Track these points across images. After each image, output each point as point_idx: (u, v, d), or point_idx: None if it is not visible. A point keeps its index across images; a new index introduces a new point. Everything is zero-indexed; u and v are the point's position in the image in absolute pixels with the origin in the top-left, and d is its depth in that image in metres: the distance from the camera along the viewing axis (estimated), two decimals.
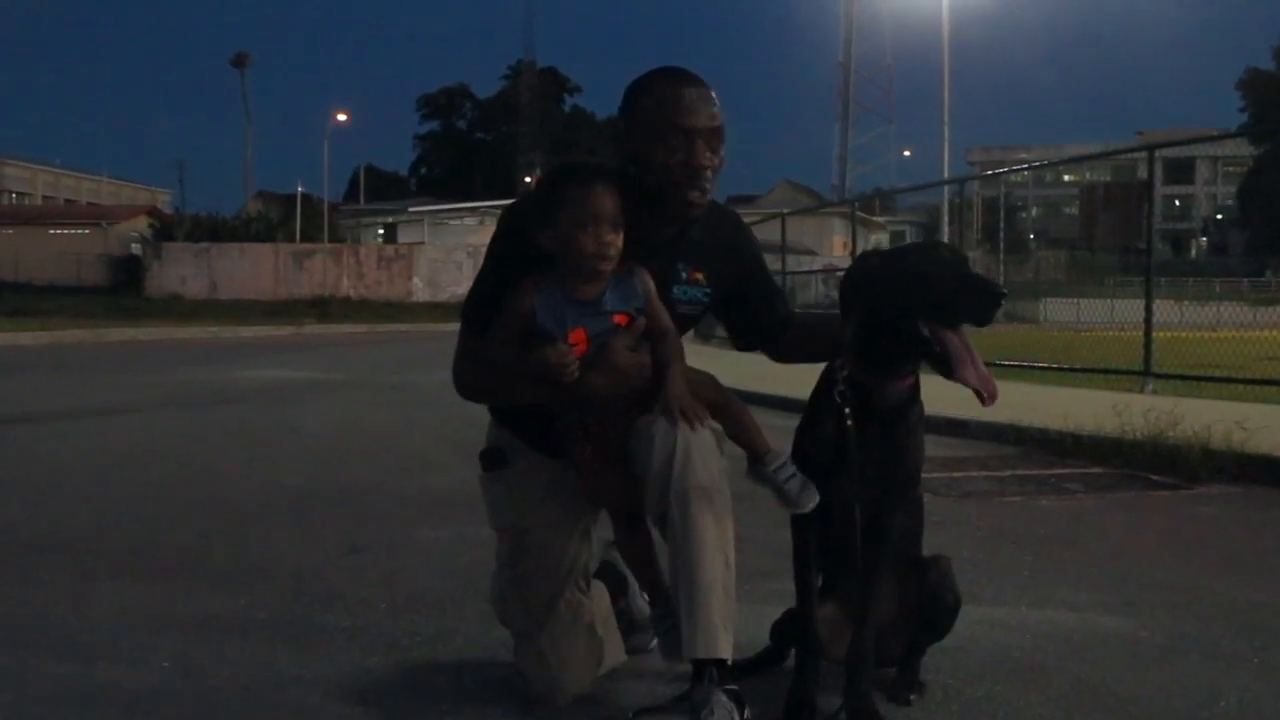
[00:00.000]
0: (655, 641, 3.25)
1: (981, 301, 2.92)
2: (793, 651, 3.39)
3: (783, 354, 3.56)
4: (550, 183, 3.10)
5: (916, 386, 3.19)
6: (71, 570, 5.02)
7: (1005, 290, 2.97)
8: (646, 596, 3.40)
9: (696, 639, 2.90)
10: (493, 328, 3.10)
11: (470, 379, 3.27)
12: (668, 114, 3.07)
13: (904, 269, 3.01)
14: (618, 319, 3.05)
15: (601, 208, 2.99)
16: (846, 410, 3.09)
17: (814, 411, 3.21)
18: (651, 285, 3.12)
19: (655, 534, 3.21)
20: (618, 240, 3.02)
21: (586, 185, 3.02)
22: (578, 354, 3.00)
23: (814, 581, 3.25)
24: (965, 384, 2.95)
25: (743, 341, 3.59)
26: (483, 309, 3.18)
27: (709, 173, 3.13)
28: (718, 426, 3.09)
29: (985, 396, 2.95)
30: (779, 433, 3.31)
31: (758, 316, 3.50)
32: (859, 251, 24.89)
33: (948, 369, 2.96)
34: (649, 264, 3.14)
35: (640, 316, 3.07)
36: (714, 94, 3.15)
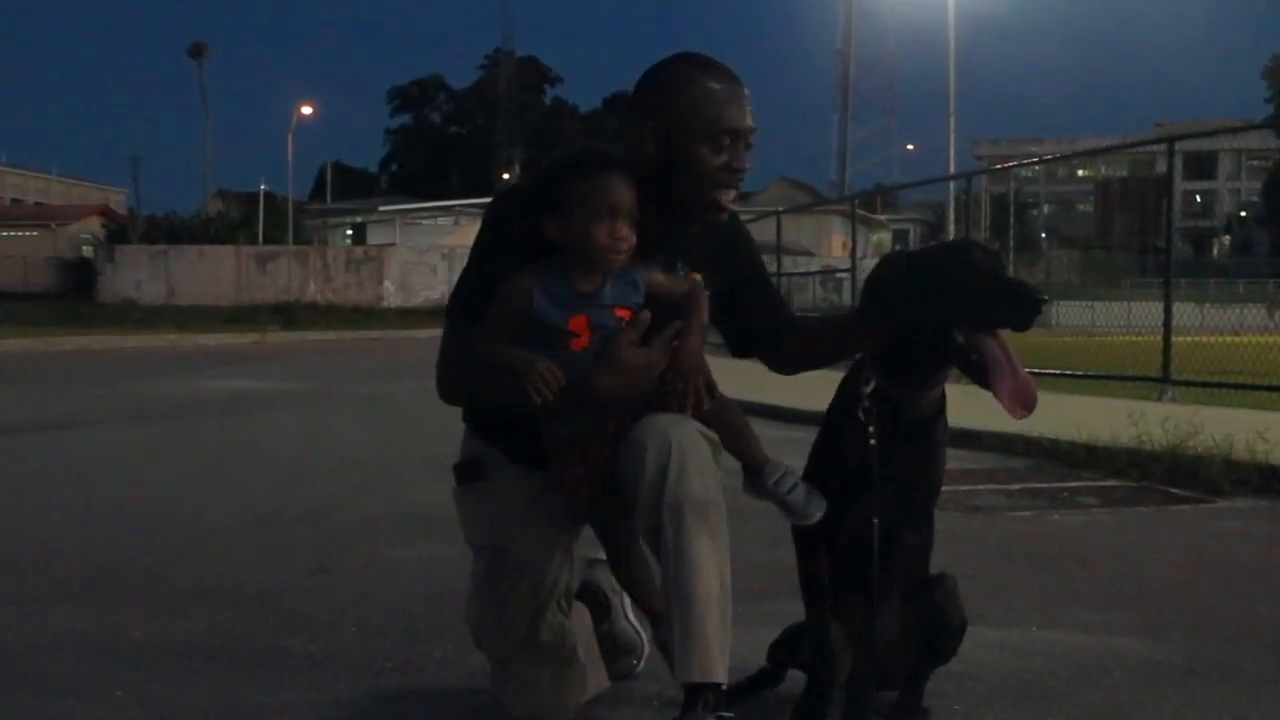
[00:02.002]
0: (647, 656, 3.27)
1: (1020, 307, 2.92)
2: (788, 674, 3.40)
3: (782, 362, 3.50)
4: (564, 169, 3.08)
5: (944, 396, 3.20)
6: (20, 595, 5.01)
7: (1045, 296, 2.98)
8: (645, 618, 3.41)
9: (690, 662, 2.89)
10: (486, 313, 3.06)
11: (456, 378, 3.25)
12: (716, 113, 3.08)
13: (936, 273, 3.01)
14: (620, 312, 3.05)
15: (619, 200, 3.00)
16: (870, 429, 3.09)
17: (834, 428, 3.21)
18: (654, 274, 3.12)
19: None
20: (631, 235, 3.03)
21: (604, 175, 3.02)
22: (581, 345, 3.01)
23: (826, 600, 3.24)
24: (998, 397, 2.96)
25: (739, 347, 3.54)
26: (473, 299, 3.15)
27: (743, 175, 3.17)
28: (714, 436, 3.07)
29: (1018, 410, 2.95)
30: (777, 444, 3.32)
31: (756, 321, 3.45)
32: (858, 251, 24.98)
33: (984, 379, 2.97)
34: (646, 260, 3.15)
35: (644, 311, 3.08)
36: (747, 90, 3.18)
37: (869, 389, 3.10)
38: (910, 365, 3.09)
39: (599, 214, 2.99)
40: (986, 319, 2.96)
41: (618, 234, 3.00)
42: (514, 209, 3.21)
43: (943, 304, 2.96)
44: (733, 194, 3.18)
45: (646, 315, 3.07)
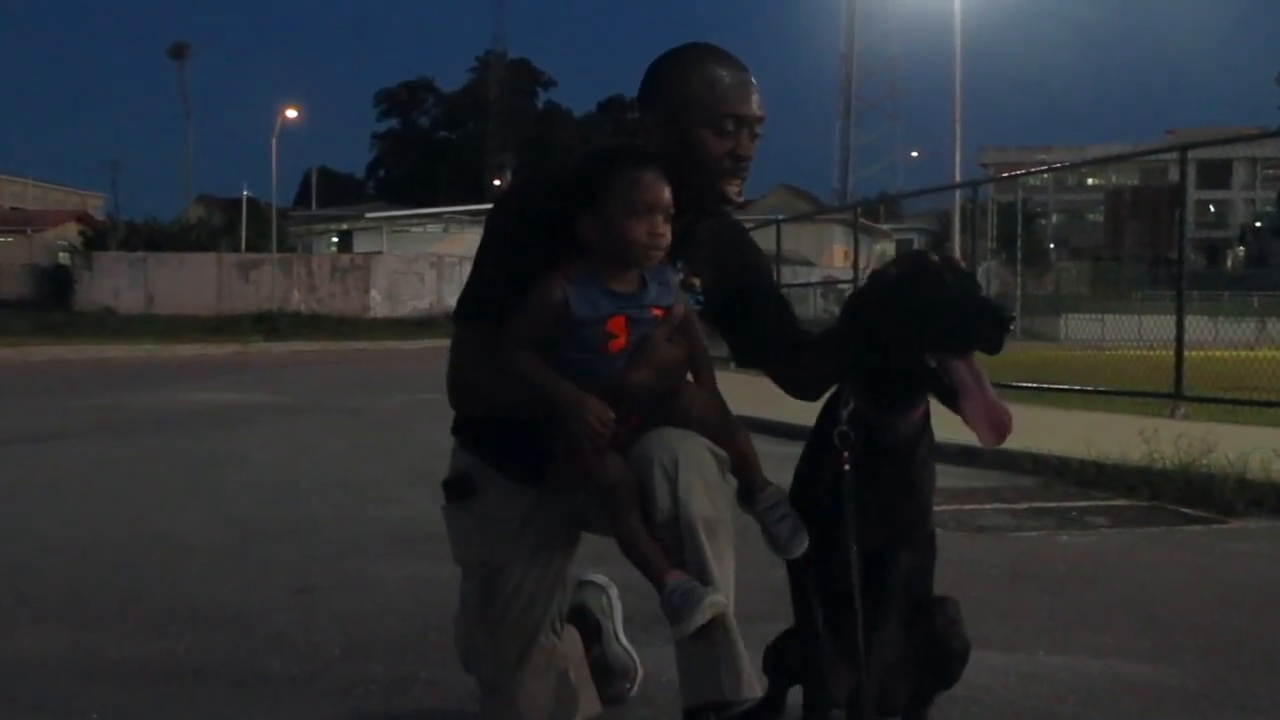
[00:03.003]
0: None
1: (989, 328, 2.89)
2: (787, 700, 3.39)
3: (791, 379, 3.46)
4: (599, 165, 3.05)
5: (927, 415, 3.19)
6: None
7: (1014, 315, 2.96)
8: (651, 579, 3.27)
9: (695, 683, 2.90)
10: (517, 322, 3.01)
11: (471, 382, 3.22)
12: (719, 97, 3.09)
13: (905, 295, 2.99)
14: (656, 312, 3.03)
15: (659, 196, 2.98)
16: (845, 454, 3.08)
17: (813, 452, 3.21)
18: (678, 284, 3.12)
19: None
20: (669, 232, 3.01)
21: (643, 171, 2.99)
22: (619, 346, 2.98)
23: (817, 615, 3.23)
24: (968, 422, 2.94)
25: (743, 357, 3.52)
26: (492, 300, 3.10)
27: (748, 165, 3.16)
28: (722, 454, 3.07)
29: (990, 436, 2.92)
30: (776, 461, 3.32)
31: (760, 331, 3.43)
32: (860, 262, 25.00)
33: (954, 404, 2.95)
34: None
35: (677, 306, 3.06)
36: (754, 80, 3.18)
37: (847, 411, 3.09)
38: (889, 388, 3.07)
39: (637, 211, 2.96)
40: (957, 341, 2.92)
41: (656, 231, 2.98)
42: (530, 205, 3.18)
43: (914, 328, 2.94)
44: (739, 185, 3.17)
45: (680, 309, 3.06)
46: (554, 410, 2.97)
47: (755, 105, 3.14)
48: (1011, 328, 2.90)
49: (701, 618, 2.85)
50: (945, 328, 2.90)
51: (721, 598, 2.89)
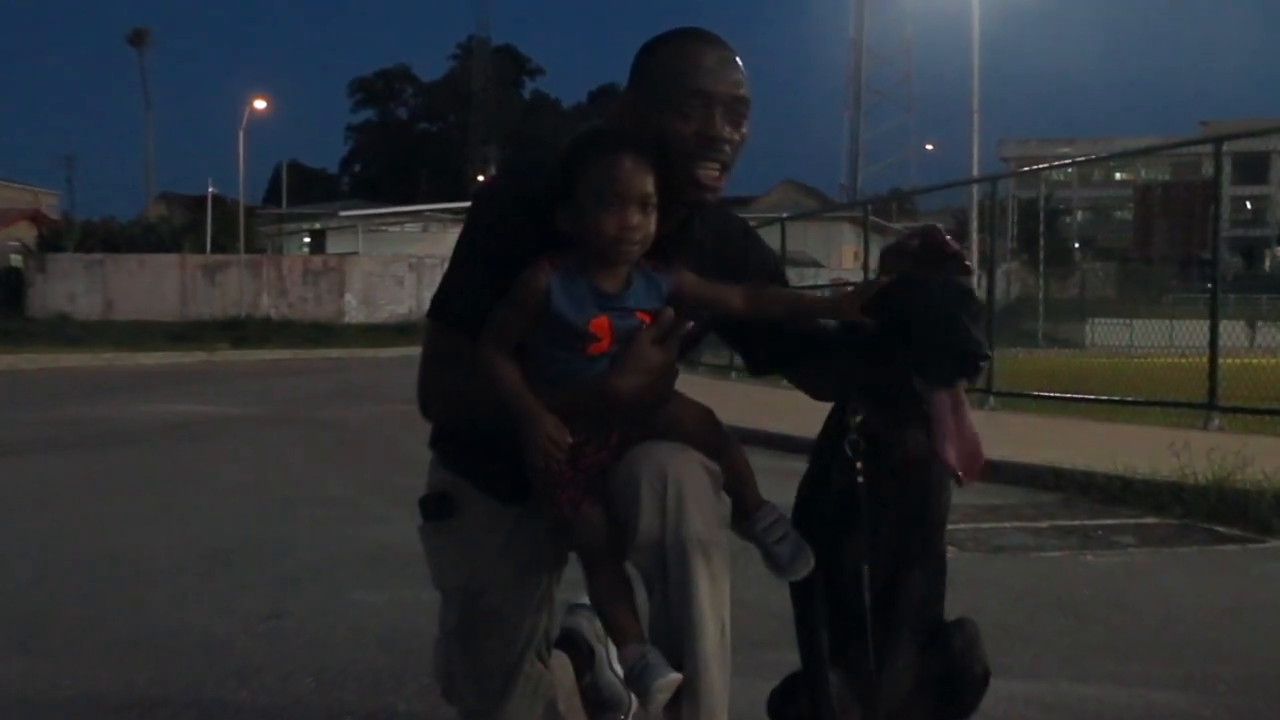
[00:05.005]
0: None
1: (950, 361, 2.84)
2: None
3: (814, 381, 3.43)
4: (571, 152, 3.02)
5: None
6: None
7: (988, 352, 2.85)
8: (614, 644, 3.30)
9: None
10: (497, 312, 2.99)
11: (443, 388, 3.20)
12: (683, 76, 3.05)
13: (892, 309, 2.96)
14: (642, 316, 3.01)
15: (629, 185, 2.93)
16: (858, 465, 3.07)
17: (820, 461, 3.19)
18: (689, 279, 3.07)
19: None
20: (647, 224, 2.96)
21: (611, 156, 2.95)
22: (601, 349, 2.97)
23: (824, 651, 3.23)
24: (940, 456, 2.89)
25: (761, 364, 3.50)
26: (466, 300, 3.10)
27: (727, 148, 3.09)
28: (715, 468, 3.05)
29: (959, 478, 2.88)
30: (776, 475, 3.32)
31: (778, 333, 3.37)
32: (871, 262, 24.96)
33: (929, 437, 2.91)
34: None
35: (667, 309, 3.03)
36: (739, 60, 3.13)
37: (857, 421, 3.07)
38: (894, 404, 3.02)
39: (606, 201, 2.92)
40: (923, 369, 2.87)
41: (626, 223, 2.93)
42: (513, 195, 3.17)
43: (895, 346, 2.91)
44: (713, 168, 3.09)
45: (669, 313, 3.03)
46: (512, 421, 2.97)
47: (729, 83, 3.07)
48: (981, 365, 2.85)
49: (656, 704, 2.88)
50: (917, 351, 2.86)
51: (676, 676, 2.87)
